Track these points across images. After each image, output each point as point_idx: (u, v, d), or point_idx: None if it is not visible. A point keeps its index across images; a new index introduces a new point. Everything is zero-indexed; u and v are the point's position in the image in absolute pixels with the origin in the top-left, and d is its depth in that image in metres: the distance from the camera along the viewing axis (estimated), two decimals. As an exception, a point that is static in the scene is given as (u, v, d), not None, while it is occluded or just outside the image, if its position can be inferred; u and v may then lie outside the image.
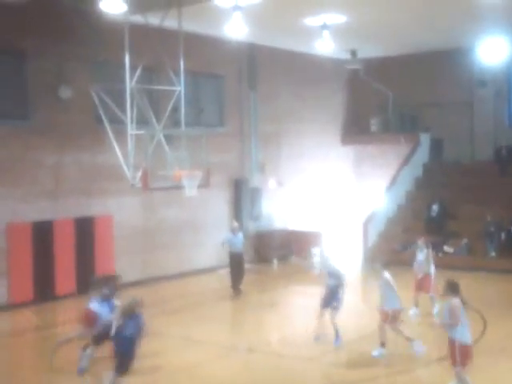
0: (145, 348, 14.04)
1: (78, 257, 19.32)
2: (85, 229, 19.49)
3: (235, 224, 20.03)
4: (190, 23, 18.81)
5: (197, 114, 22.53)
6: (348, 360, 13.53)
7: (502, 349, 13.72)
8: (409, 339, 13.17)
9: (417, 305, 16.66)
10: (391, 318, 13.17)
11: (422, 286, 16.70)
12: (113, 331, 11.09)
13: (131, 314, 11.08)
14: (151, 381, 12.29)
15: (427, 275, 16.68)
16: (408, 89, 27.37)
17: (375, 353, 13.16)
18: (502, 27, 21.19)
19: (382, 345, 13.19)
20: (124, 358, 10.91)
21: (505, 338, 14.49)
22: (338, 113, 28.68)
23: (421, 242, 17.14)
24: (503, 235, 22.51)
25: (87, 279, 19.00)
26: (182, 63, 18.01)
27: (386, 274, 13.36)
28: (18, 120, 18.34)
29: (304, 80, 26.38)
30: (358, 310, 17.57)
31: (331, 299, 14.40)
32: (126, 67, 17.59)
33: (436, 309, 15.99)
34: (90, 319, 12.61)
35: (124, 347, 10.90)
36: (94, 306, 12.69)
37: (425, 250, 16.89)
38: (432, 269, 16.73)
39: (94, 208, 19.77)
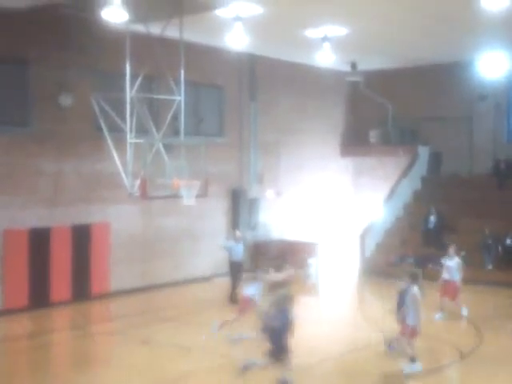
0: (139, 356, 14.22)
1: (75, 264, 19.35)
2: (82, 236, 19.54)
3: (238, 233, 20.16)
4: (191, 33, 18.91)
5: (196, 123, 22.62)
6: (342, 370, 13.50)
7: (500, 361, 13.72)
8: (412, 359, 12.92)
9: (443, 309, 17.20)
10: (410, 333, 13.01)
11: (447, 291, 17.24)
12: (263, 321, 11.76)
13: (281, 307, 11.67)
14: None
15: (454, 282, 17.29)
16: (408, 102, 27.48)
17: (407, 369, 12.78)
18: (501, 42, 21.28)
19: (413, 359, 12.87)
20: (272, 347, 11.47)
21: (502, 351, 14.47)
22: (338, 124, 28.75)
23: (452, 250, 17.77)
24: (500, 248, 22.53)
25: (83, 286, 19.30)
26: (182, 73, 18.07)
27: (415, 289, 13.10)
28: (18, 127, 18.41)
29: (304, 91, 26.49)
30: (354, 322, 17.60)
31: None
32: (126, 76, 17.69)
33: (439, 315, 16.85)
34: (245, 304, 14.76)
35: (272, 338, 11.45)
36: (248, 291, 14.82)
37: (455, 258, 17.58)
38: (459, 277, 17.34)
39: (92, 216, 19.82)
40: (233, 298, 19.01)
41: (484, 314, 17.94)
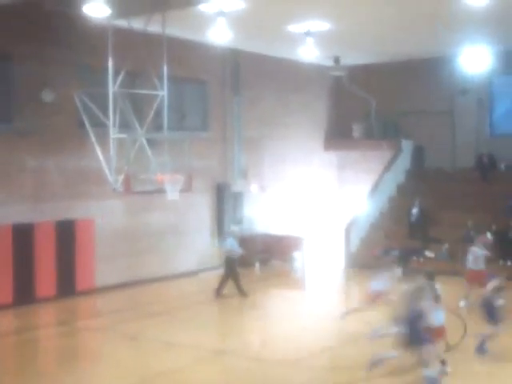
0: (125, 352, 14.24)
1: (59, 260, 19.29)
2: (66, 232, 19.47)
3: (234, 228, 20.75)
4: (174, 28, 18.89)
5: (180, 118, 22.60)
6: (330, 364, 13.62)
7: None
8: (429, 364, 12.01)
9: (467, 297, 17.53)
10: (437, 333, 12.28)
11: (476, 279, 17.43)
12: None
13: (416, 299, 11.67)
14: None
15: (483, 270, 17.60)
16: (391, 96, 27.63)
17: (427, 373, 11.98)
18: (483, 36, 21.39)
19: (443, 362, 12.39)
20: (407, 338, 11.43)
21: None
22: (322, 119, 28.83)
23: (480, 239, 18.39)
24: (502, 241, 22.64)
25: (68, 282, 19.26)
26: (165, 68, 18.06)
27: (438, 286, 12.92)
28: (1, 123, 18.30)
29: (288, 86, 26.54)
30: (337, 315, 17.71)
31: None
32: (109, 71, 17.64)
33: (463, 303, 17.18)
34: (374, 297, 15.35)
35: (408, 329, 11.41)
36: (377, 285, 15.37)
37: (483, 249, 17.94)
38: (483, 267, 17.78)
39: (76, 211, 19.76)
40: (219, 292, 19.10)
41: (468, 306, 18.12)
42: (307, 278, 22.90)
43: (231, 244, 19.51)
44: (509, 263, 22.11)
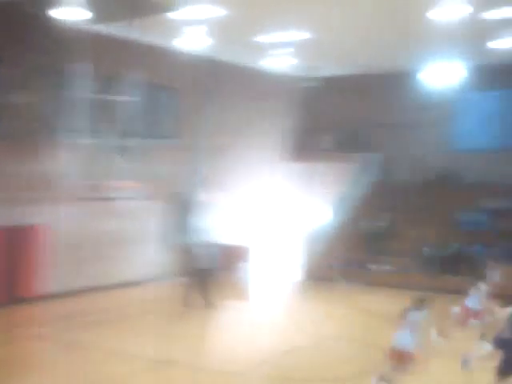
0: (66, 361, 13.88)
1: (9, 266, 18.83)
2: (16, 238, 18.96)
3: (207, 237, 20.72)
4: (148, 34, 18.86)
5: (151, 125, 22.46)
6: (270, 375, 13.43)
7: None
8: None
9: None
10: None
11: None
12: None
13: None
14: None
15: None
16: (358, 108, 27.90)
17: None
18: (447, 52, 21.76)
19: None
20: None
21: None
22: (290, 129, 28.95)
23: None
24: (440, 256, 23.04)
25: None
26: (137, 74, 17.94)
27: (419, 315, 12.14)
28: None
29: (257, 95, 26.61)
30: (284, 326, 17.80)
31: None
32: (80, 76, 17.47)
33: None
34: (466, 316, 15.13)
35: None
36: (470, 302, 15.21)
37: None
38: None
39: (31, 217, 19.23)
40: (209, 304, 18.89)
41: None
42: (254, 289, 22.78)
43: (209, 254, 19.24)
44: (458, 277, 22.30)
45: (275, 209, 28.04)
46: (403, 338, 11.56)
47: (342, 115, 28.10)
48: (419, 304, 11.88)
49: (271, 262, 25.53)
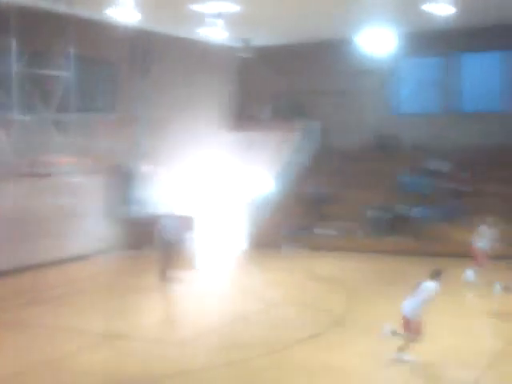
0: (12, 340, 13.65)
1: None
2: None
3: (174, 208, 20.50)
4: (81, 7, 18.40)
5: (87, 99, 22.05)
6: (219, 343, 13.51)
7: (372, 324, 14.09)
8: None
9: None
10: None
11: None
12: None
13: None
14: (13, 375, 11.56)
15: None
16: (297, 77, 27.94)
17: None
18: (385, 17, 21.88)
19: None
20: None
21: (381, 315, 14.89)
22: (229, 100, 28.81)
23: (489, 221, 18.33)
24: (384, 218, 23.36)
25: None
26: (71, 48, 17.58)
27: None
28: None
29: (196, 67, 26.32)
30: (232, 294, 17.91)
31: None
32: (12, 51, 17.02)
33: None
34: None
35: None
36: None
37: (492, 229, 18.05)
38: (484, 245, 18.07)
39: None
40: (164, 277, 18.66)
41: (364, 281, 18.73)
42: (202, 258, 22.83)
43: (172, 227, 18.90)
44: (398, 238, 22.85)
45: (218, 179, 28.00)
46: (408, 306, 11.76)
47: (281, 84, 28.07)
48: (434, 275, 11.87)
49: (217, 231, 25.50)
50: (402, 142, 26.80)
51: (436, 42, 25.67)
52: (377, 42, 22.97)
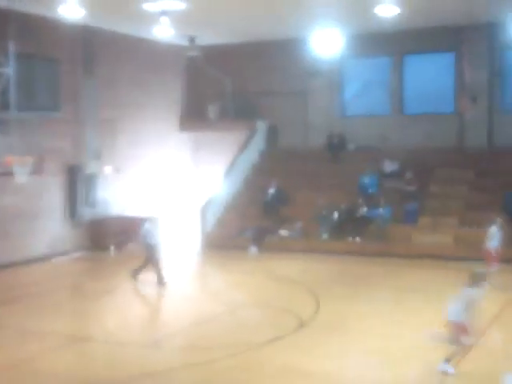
0: None
1: None
2: None
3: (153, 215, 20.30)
4: (23, 3, 18.01)
5: (29, 97, 21.60)
6: (184, 345, 13.61)
7: (335, 325, 14.36)
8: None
9: None
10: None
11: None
12: None
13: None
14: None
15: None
16: (246, 77, 27.89)
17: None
18: (334, 19, 21.99)
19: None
20: None
21: (339, 315, 15.18)
22: (177, 99, 28.61)
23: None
24: (335, 219, 23.53)
25: None
26: (11, 44, 17.16)
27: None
28: None
29: (143, 66, 26.06)
30: (194, 296, 17.72)
31: None
32: None
33: None
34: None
35: None
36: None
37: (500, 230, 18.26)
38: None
39: None
40: (135, 276, 18.54)
41: (322, 282, 18.80)
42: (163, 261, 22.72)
43: (148, 230, 18.67)
44: (357, 239, 23.09)
45: (171, 180, 27.79)
46: (455, 311, 11.36)
47: (229, 84, 27.93)
48: (473, 281, 11.46)
49: (172, 233, 25.27)
50: (349, 142, 26.90)
51: (382, 44, 25.95)
52: (326, 43, 23.03)
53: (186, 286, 19.68)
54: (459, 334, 11.27)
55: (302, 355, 12.40)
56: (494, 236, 18.18)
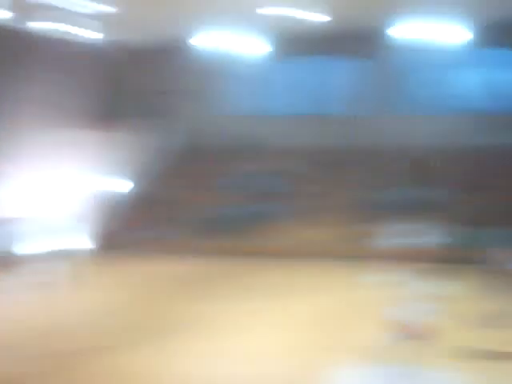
0: None
1: None
2: None
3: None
4: None
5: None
6: (38, 352, 12.59)
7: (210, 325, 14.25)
8: None
9: None
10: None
11: None
12: None
13: None
14: None
15: None
16: (144, 76, 27.73)
17: None
18: (255, 22, 22.35)
19: None
20: None
21: (213, 317, 15.01)
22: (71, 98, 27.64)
23: None
24: (221, 219, 23.92)
25: None
26: None
27: None
28: None
29: (62, 66, 25.32)
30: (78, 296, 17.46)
31: None
32: None
33: None
34: None
35: None
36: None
37: None
38: None
39: None
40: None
41: (196, 282, 18.95)
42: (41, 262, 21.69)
43: None
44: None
45: (63, 180, 26.98)
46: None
47: (125, 83, 27.67)
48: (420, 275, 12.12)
49: (58, 233, 24.59)
50: (244, 141, 27.20)
51: (304, 45, 26.35)
52: (228, 43, 23.20)
53: (70, 288, 18.63)
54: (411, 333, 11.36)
55: (171, 357, 11.94)
56: None
